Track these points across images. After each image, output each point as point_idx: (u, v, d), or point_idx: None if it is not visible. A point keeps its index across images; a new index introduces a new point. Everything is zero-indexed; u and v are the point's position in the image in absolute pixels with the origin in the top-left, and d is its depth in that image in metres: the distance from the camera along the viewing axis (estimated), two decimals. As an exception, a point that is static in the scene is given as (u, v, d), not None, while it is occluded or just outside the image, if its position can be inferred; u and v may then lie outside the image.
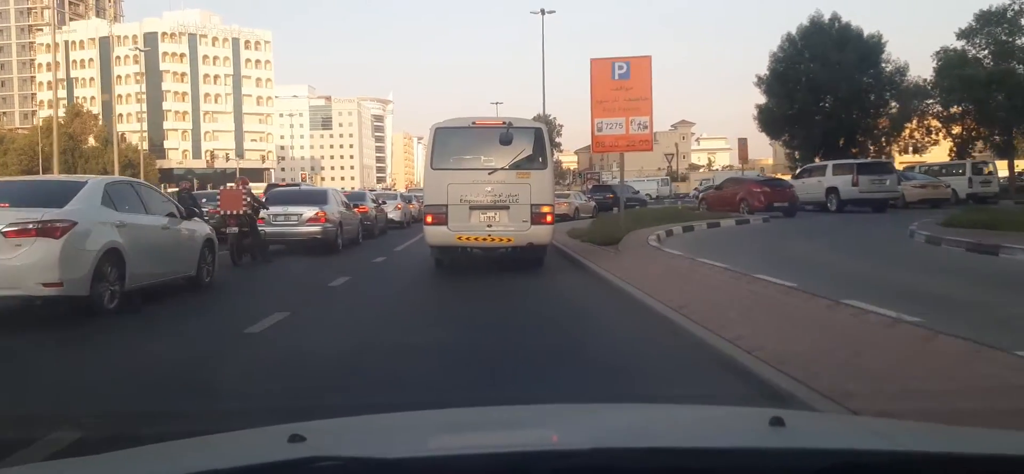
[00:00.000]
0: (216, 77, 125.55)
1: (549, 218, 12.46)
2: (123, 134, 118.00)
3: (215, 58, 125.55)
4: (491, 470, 1.58)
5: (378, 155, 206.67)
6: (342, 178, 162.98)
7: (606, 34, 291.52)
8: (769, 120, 42.59)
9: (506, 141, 12.20)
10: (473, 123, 12.80)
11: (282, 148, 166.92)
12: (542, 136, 12.81)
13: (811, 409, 4.36)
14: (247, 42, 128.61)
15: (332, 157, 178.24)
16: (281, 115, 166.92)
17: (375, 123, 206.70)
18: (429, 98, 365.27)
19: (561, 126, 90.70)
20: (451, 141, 12.66)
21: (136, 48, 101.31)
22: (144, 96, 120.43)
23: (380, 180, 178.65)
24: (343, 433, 2.07)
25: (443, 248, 12.97)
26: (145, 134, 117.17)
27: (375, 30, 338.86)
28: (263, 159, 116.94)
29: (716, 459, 1.60)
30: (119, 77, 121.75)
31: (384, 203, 27.53)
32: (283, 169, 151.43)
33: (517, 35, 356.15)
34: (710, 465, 1.57)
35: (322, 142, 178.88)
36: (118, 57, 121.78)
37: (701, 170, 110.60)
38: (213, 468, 1.59)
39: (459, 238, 12.26)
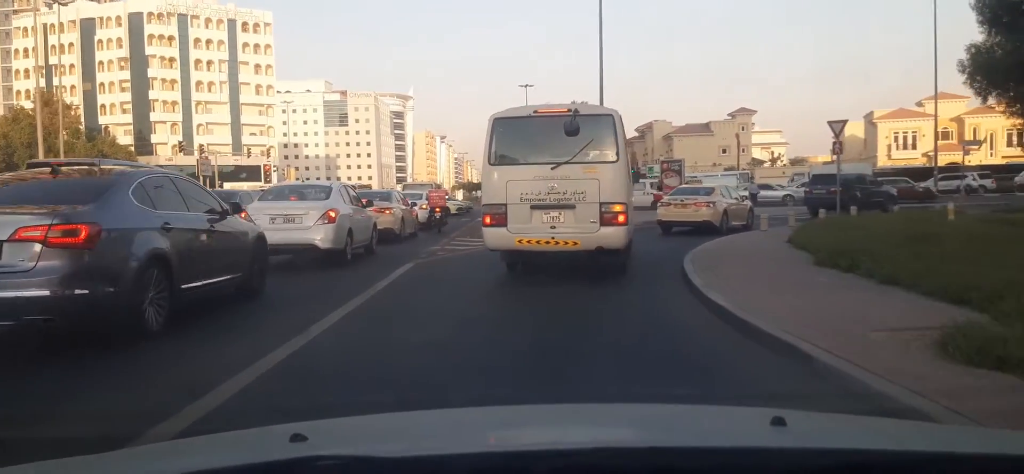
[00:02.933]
0: (209, 63, 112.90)
1: (622, 218, 10.97)
2: (106, 127, 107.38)
3: (208, 41, 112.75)
4: (491, 469, 1.56)
5: (398, 154, 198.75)
6: (359, 178, 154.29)
7: (639, 24, 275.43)
8: (990, 67, 25.96)
9: (572, 131, 10.89)
10: (534, 112, 11.55)
11: (295, 145, 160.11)
12: (614, 124, 11.25)
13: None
14: (244, 24, 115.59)
15: (348, 155, 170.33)
16: (294, 111, 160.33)
17: (395, 120, 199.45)
18: (453, 96, 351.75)
19: None
20: (510, 133, 11.60)
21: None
22: (129, 84, 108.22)
23: (400, 180, 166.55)
24: (344, 432, 2.06)
25: (505, 251, 11.82)
26: (130, 127, 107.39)
27: (395, 24, 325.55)
28: (248, 154, 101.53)
29: (717, 459, 1.59)
30: (102, 63, 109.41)
31: (239, 205, 10.39)
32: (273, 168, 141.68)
33: (548, 27, 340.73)
34: (711, 465, 1.56)
35: (338, 140, 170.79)
36: (100, 41, 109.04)
37: (765, 165, 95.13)
38: (215, 467, 1.60)
39: (519, 242, 11.17)
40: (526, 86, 74.20)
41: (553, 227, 10.99)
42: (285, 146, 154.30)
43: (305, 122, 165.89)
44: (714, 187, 24.01)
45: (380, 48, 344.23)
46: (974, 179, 56.85)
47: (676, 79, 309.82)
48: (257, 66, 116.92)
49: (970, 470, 1.55)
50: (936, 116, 54.62)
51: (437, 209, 26.04)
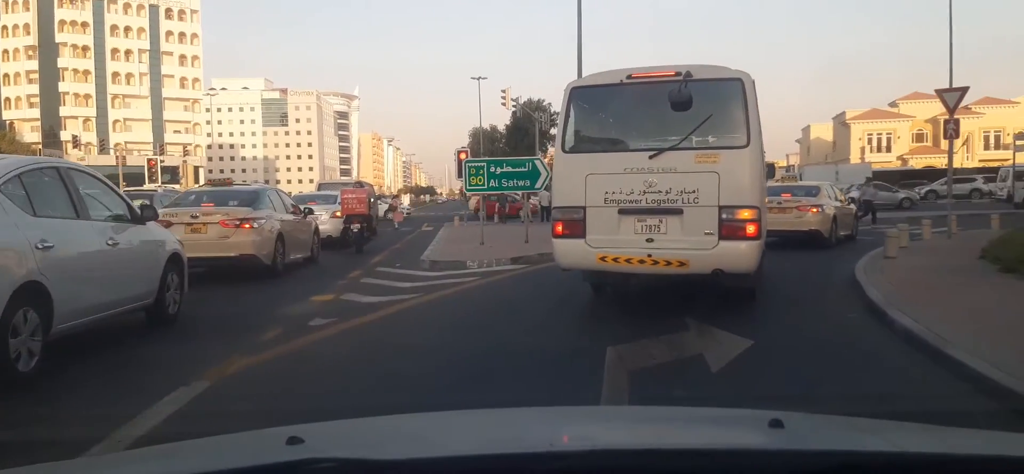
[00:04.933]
0: (128, 53, 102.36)
1: (752, 228, 7.86)
2: (10, 122, 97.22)
3: (127, 29, 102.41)
4: (489, 472, 1.57)
5: (342, 156, 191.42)
6: (300, 181, 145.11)
7: (603, 18, 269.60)
8: None
9: (681, 104, 7.99)
10: (628, 77, 8.47)
11: (231, 146, 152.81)
12: (743, 92, 8.07)
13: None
14: (168, 11, 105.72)
15: (288, 156, 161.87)
16: (230, 109, 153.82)
17: (339, 121, 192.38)
18: (402, 97, 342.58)
19: (557, 114, 71.26)
20: (593, 108, 9.07)
21: None
22: (37, 75, 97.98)
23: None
24: (341, 435, 2.05)
25: (584, 271, 9.04)
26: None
27: (340, 21, 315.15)
28: (162, 151, 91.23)
29: (715, 460, 1.59)
30: (6, 52, 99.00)
31: None
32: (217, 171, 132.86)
33: (506, 24, 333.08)
34: (708, 467, 1.55)
35: (277, 140, 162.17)
36: (5, 27, 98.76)
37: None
38: (212, 469, 1.61)
39: (602, 259, 8.32)
40: (479, 78, 67.31)
41: (651, 240, 8.15)
42: (221, 147, 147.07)
43: (242, 121, 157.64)
44: (820, 186, 18.40)
45: (324, 46, 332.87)
46: (982, 183, 51.23)
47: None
48: (182, 57, 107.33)
49: (968, 472, 1.54)
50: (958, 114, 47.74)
51: (355, 219, 17.68)
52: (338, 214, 18.48)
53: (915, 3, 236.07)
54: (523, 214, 23.72)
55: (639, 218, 8.17)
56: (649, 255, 8.10)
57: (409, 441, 1.91)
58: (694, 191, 7.95)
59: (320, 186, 23.61)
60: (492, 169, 17.14)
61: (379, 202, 27.89)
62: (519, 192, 23.06)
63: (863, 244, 16.72)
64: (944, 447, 1.76)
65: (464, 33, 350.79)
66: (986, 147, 76.03)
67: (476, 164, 17.36)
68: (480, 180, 16.92)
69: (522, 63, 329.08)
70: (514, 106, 48.05)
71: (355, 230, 17.65)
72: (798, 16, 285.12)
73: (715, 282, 8.21)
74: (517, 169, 17.26)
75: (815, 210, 16.70)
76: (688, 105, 8.01)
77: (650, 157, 8.09)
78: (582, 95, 8.82)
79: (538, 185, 17.38)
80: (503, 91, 45.43)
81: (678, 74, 8.08)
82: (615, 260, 8.26)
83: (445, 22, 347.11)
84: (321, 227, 18.21)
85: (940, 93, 17.57)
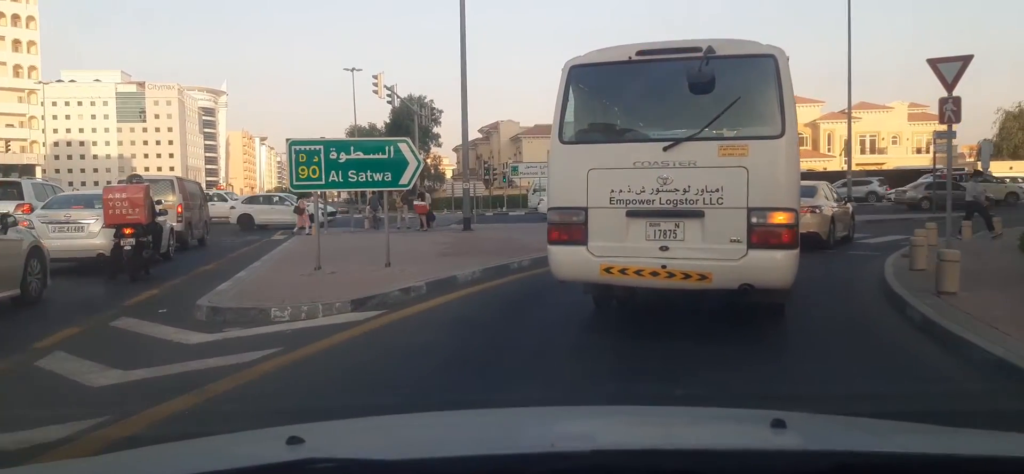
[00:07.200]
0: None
1: (788, 235, 6.94)
2: None
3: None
4: (490, 472, 1.56)
5: (209, 155, 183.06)
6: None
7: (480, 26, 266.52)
8: None
9: (702, 85, 7.05)
10: (638, 53, 7.46)
11: (80, 143, 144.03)
12: (776, 72, 7.08)
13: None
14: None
15: (146, 155, 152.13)
16: (80, 104, 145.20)
17: (205, 118, 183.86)
18: (275, 94, 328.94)
19: (440, 111, 70.61)
20: (598, 91, 8.18)
21: None
22: None
23: (211, 183, 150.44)
24: (341, 435, 2.05)
25: (585, 284, 8.06)
26: None
27: (205, 9, 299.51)
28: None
29: (717, 461, 1.59)
30: None
31: None
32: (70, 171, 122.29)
33: (380, 17, 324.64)
34: (711, 467, 1.55)
35: (134, 137, 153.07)
36: None
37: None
38: (212, 469, 1.60)
39: (607, 271, 7.41)
40: (353, 70, 61.16)
41: (665, 248, 7.26)
42: (69, 144, 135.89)
43: (94, 116, 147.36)
44: (816, 186, 17.19)
45: (189, 37, 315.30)
46: (878, 186, 50.56)
47: (522, 79, 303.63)
48: (16, 42, 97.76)
49: (969, 472, 1.54)
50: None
51: (127, 228, 12.06)
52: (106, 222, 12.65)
53: (790, 11, 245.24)
54: (397, 220, 18.10)
55: (651, 222, 7.32)
56: (663, 266, 7.26)
57: (409, 441, 1.88)
58: (718, 190, 7.12)
59: (107, 187, 17.54)
60: (333, 155, 11.62)
61: (205, 205, 21.71)
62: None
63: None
64: (945, 447, 1.75)
65: (342, 27, 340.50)
66: (863, 151, 76.77)
67: (308, 148, 11.65)
68: (314, 172, 11.47)
69: (403, 60, 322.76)
70: (388, 96, 42.53)
71: (128, 247, 11.83)
72: (669, 20, 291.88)
73: (735, 298, 7.40)
74: (372, 156, 11.88)
75: (810, 212, 15.75)
76: (710, 87, 7.08)
77: (665, 149, 7.22)
78: (583, 75, 7.79)
79: (404, 180, 12.09)
80: (375, 77, 39.87)
81: (698, 49, 7.15)
82: (622, 272, 7.40)
83: (321, 15, 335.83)
84: (89, 242, 12.44)
85: (933, 63, 13.64)
